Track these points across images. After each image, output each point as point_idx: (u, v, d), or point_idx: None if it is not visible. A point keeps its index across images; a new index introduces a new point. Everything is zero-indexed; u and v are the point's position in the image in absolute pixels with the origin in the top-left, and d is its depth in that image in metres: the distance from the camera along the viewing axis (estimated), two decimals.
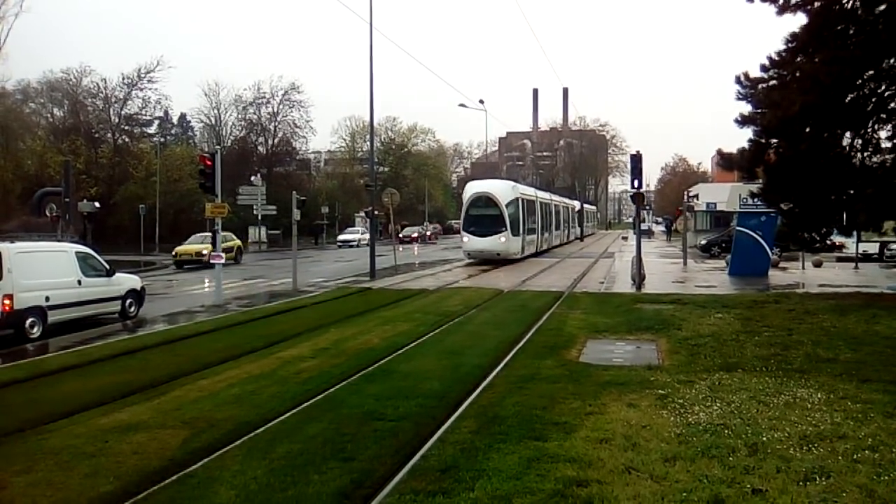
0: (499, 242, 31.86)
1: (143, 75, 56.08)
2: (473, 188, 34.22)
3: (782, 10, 18.52)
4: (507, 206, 32.08)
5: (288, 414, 7.74)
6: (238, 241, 39.63)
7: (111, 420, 7.58)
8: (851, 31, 18.29)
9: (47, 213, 27.56)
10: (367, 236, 50.79)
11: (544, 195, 44.19)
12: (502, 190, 33.50)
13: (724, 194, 44.66)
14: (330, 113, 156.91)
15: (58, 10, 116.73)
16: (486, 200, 32.58)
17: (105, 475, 5.94)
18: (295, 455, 6.33)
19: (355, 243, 51.80)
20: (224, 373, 9.91)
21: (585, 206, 73.80)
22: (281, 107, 65.66)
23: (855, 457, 6.02)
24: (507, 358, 10.60)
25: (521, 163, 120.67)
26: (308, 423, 7.40)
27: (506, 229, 31.74)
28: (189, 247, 34.64)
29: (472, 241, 32.63)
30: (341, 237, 56.40)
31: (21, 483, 5.84)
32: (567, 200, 58.94)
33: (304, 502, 5.32)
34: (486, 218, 32.06)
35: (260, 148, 66.23)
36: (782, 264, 28.54)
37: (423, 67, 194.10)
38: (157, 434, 7.05)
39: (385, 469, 5.98)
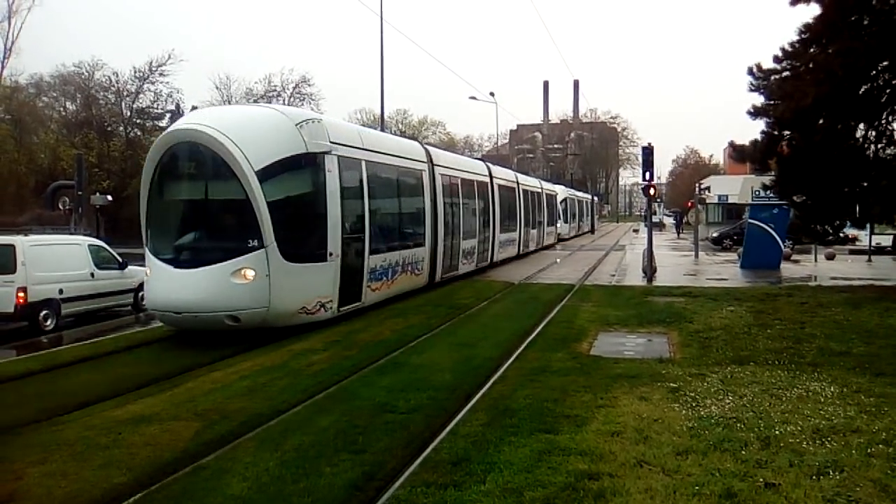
0: (231, 284, 11.35)
1: (154, 69, 56.08)
2: (174, 127, 12.72)
3: (795, 1, 18.36)
4: (263, 171, 11.45)
5: (300, 406, 7.78)
6: None
7: (125, 412, 7.64)
8: (866, 22, 18.10)
9: (60, 207, 27.77)
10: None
11: (462, 162, 23.24)
12: (249, 126, 12.22)
13: (736, 186, 44.28)
14: (340, 106, 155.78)
15: (70, 3, 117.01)
16: (209, 159, 11.65)
17: (118, 466, 6.00)
18: (307, 447, 6.36)
19: None
20: (236, 365, 9.97)
21: (586, 196, 72.46)
22: (292, 100, 65.50)
23: (869, 451, 5.99)
24: (519, 350, 10.60)
25: (531, 155, 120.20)
26: (320, 415, 7.43)
27: (260, 242, 11.42)
28: None
29: (161, 281, 11.72)
30: None
31: (36, 474, 5.90)
32: (540, 184, 38.19)
33: (316, 494, 5.34)
34: (200, 212, 12.34)
35: None
36: (795, 257, 28.33)
37: (434, 60, 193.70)
38: (169, 426, 7.10)
39: (397, 461, 6.00)
